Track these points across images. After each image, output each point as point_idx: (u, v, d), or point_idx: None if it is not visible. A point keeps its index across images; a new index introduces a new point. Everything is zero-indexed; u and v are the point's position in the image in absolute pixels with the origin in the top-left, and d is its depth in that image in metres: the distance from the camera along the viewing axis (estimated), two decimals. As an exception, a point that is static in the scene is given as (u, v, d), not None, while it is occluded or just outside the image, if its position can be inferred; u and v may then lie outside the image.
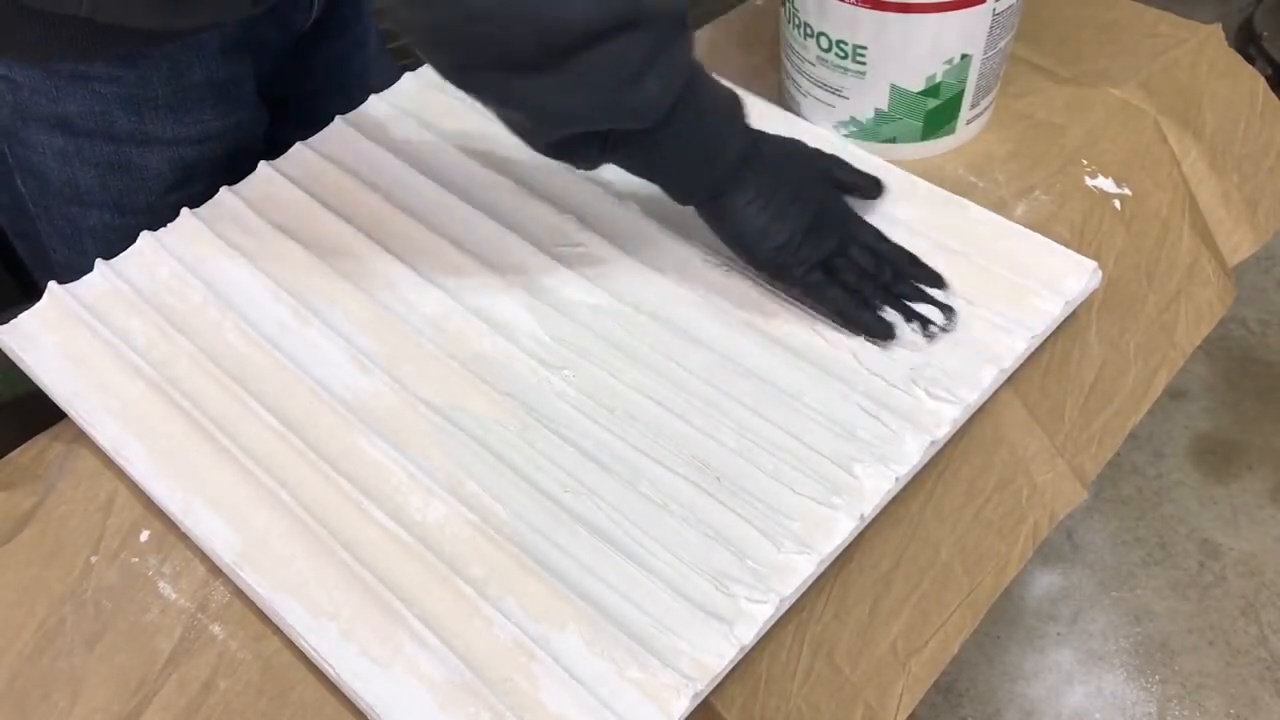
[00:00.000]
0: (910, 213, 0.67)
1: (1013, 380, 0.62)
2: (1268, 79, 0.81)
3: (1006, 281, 0.63)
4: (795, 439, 0.56)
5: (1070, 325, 0.65)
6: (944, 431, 0.57)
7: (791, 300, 0.62)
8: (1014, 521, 0.60)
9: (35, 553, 0.57)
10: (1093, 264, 0.63)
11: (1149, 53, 0.80)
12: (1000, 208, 0.68)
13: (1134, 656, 1.21)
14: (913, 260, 0.63)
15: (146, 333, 0.63)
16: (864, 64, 0.68)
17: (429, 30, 0.52)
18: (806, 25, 0.69)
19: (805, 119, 0.74)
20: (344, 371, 0.61)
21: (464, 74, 0.54)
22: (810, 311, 0.62)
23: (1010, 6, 0.67)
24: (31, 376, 0.63)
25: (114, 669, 0.52)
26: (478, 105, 0.75)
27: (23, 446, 0.63)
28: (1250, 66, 0.81)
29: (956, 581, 0.57)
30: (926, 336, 0.60)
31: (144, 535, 0.57)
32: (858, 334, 0.60)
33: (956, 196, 0.68)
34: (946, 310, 0.61)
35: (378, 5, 0.53)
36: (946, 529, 0.58)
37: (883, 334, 0.60)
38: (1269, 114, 0.80)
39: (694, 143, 0.57)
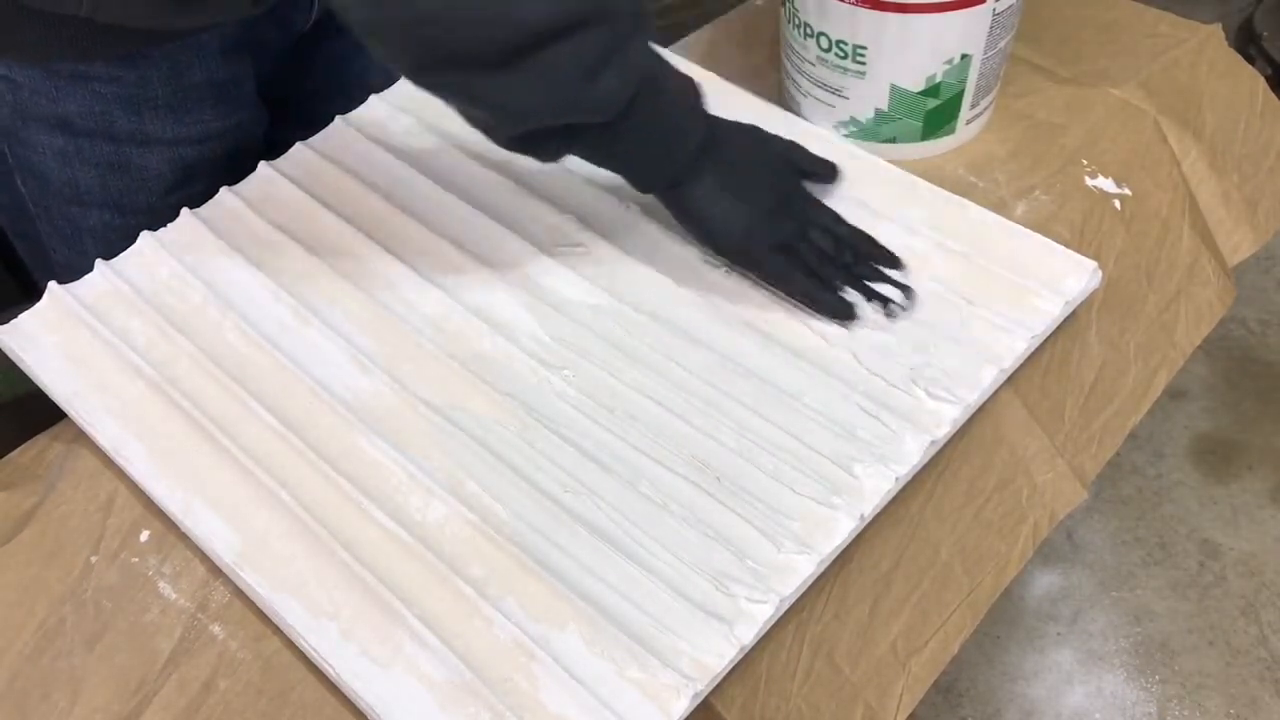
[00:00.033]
0: (910, 213, 0.67)
1: (1013, 380, 0.62)
2: (1268, 79, 0.81)
3: (1006, 281, 0.63)
4: (795, 439, 0.56)
5: (1070, 325, 0.65)
6: (944, 431, 0.57)
7: (791, 300, 0.62)
8: (1014, 521, 0.60)
9: (35, 553, 0.57)
10: (1093, 264, 0.63)
11: (1149, 53, 0.80)
12: (1000, 208, 0.68)
13: (1134, 656, 1.21)
14: (871, 242, 0.64)
15: (146, 333, 0.63)
16: (864, 64, 0.68)
17: (381, 30, 0.53)
18: (806, 25, 0.69)
19: (805, 119, 0.74)
20: (344, 371, 0.61)
21: (420, 73, 0.54)
22: (810, 311, 0.62)
23: (1010, 6, 0.67)
24: (31, 376, 0.63)
25: (114, 669, 0.52)
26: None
27: (23, 446, 0.63)
28: (1250, 66, 0.81)
29: (956, 581, 0.57)
30: (887, 315, 0.61)
31: (144, 535, 0.57)
32: (822, 315, 0.61)
33: (956, 196, 0.68)
34: (905, 290, 0.62)
35: (333, 4, 0.53)
36: (946, 529, 0.58)
37: (845, 314, 0.61)
38: (1269, 114, 0.80)
39: (654, 134, 0.58)
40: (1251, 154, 0.78)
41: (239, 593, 0.54)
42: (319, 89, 0.83)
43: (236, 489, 0.56)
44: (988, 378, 0.59)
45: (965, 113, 0.71)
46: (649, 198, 0.64)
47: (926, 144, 0.72)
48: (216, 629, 0.54)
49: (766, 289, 0.63)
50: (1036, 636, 1.23)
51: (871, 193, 0.68)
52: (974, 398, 0.58)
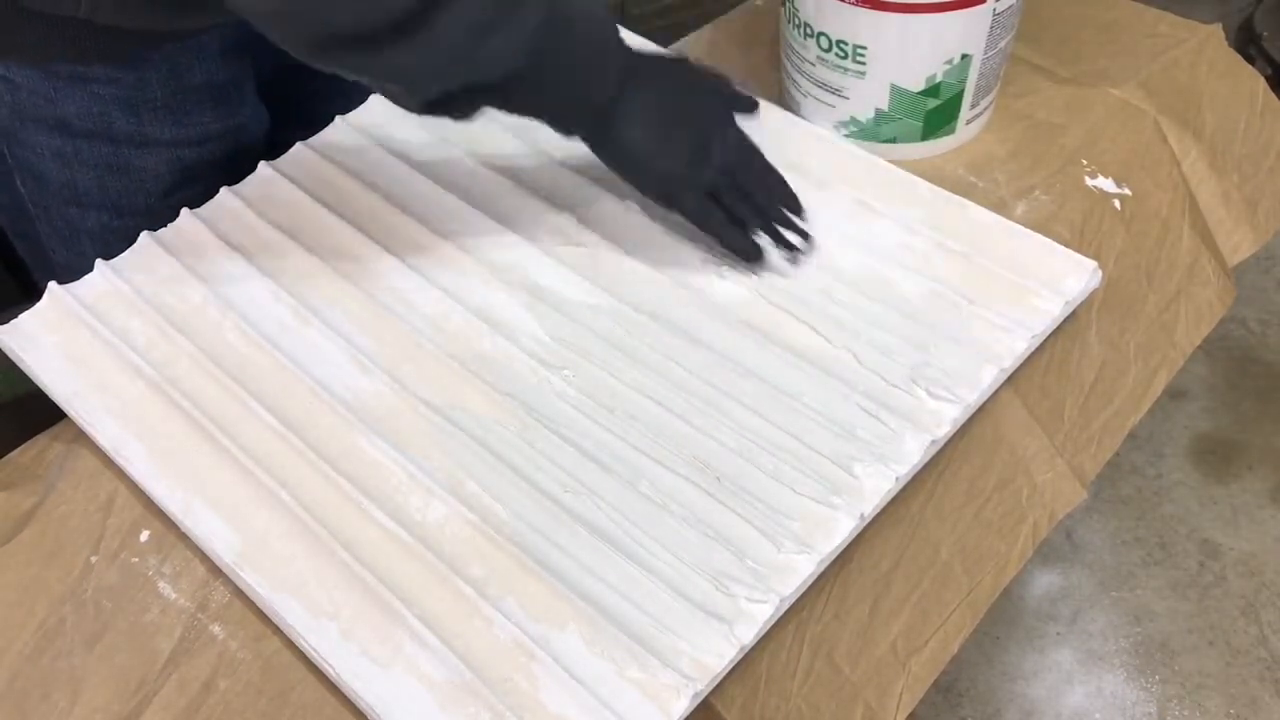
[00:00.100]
0: (910, 213, 0.67)
1: (1013, 380, 0.62)
2: (1268, 79, 0.81)
3: (1006, 281, 0.63)
4: (795, 439, 0.56)
5: (1070, 325, 0.65)
6: (944, 431, 0.57)
7: (791, 301, 0.62)
8: (1014, 521, 0.60)
9: (35, 553, 0.57)
10: (1093, 264, 0.63)
11: (1149, 53, 0.80)
12: (1000, 208, 0.68)
13: (1134, 656, 1.21)
14: (782, 184, 0.65)
15: (146, 333, 0.63)
16: (864, 64, 0.68)
17: (270, 17, 0.53)
18: (806, 25, 0.69)
19: (805, 119, 0.74)
20: (344, 371, 0.61)
21: (315, 56, 0.54)
22: (810, 311, 0.62)
23: (1010, 6, 0.67)
24: (31, 376, 0.63)
25: (114, 669, 0.52)
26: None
27: (23, 446, 0.63)
28: (1250, 66, 0.81)
29: (956, 581, 0.57)
30: (791, 261, 0.64)
31: (144, 535, 0.57)
32: (733, 255, 0.64)
33: (957, 196, 0.68)
34: (805, 236, 0.64)
35: None
36: (946, 529, 0.58)
37: (755, 257, 0.63)
38: (1269, 114, 0.80)
39: (564, 76, 0.58)
40: (1251, 154, 0.78)
41: (239, 593, 0.54)
42: (319, 89, 0.82)
43: (236, 489, 0.56)
44: (988, 377, 0.59)
45: (965, 113, 0.71)
46: (645, 198, 0.64)
47: (926, 144, 0.72)
48: (216, 629, 0.54)
49: (767, 290, 0.63)
50: (1036, 636, 1.23)
51: (871, 193, 0.68)
52: (974, 397, 0.58)
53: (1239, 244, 0.76)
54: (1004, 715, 1.18)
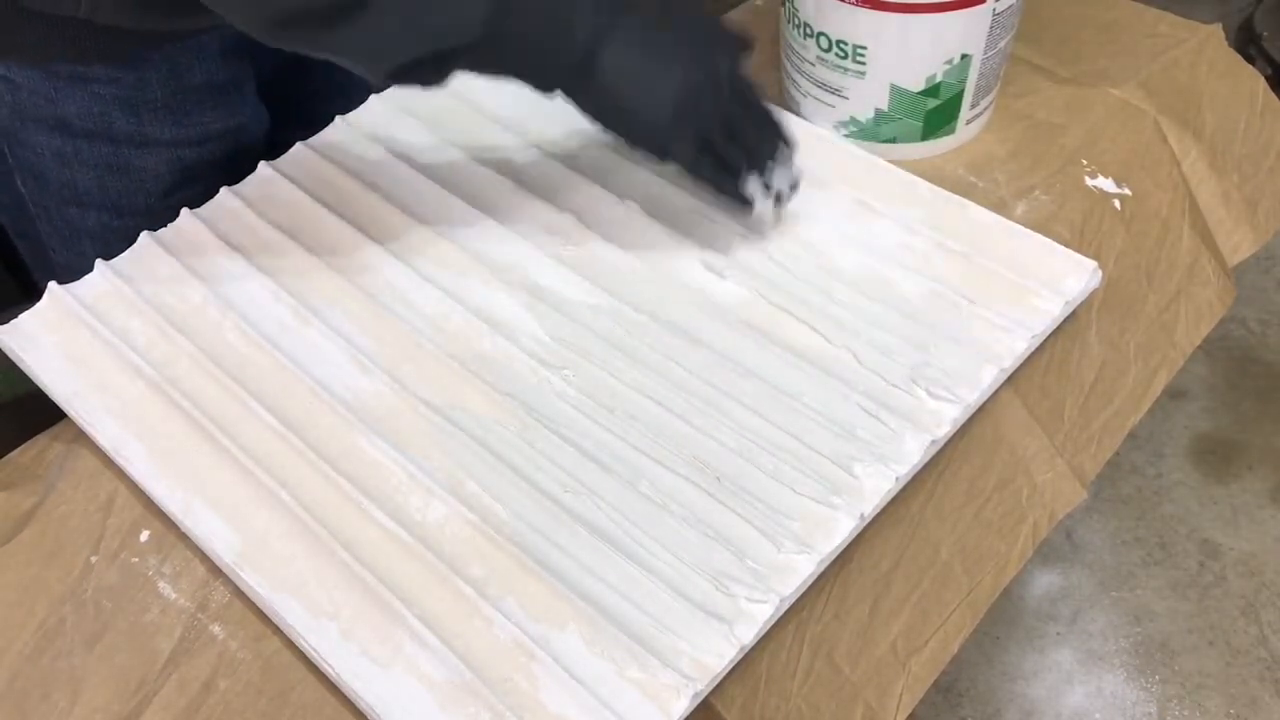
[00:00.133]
0: (910, 213, 0.67)
1: (1013, 380, 0.62)
2: (1268, 79, 0.81)
3: (1006, 281, 0.63)
4: (795, 439, 0.56)
5: (1070, 325, 0.65)
6: (944, 431, 0.57)
7: (791, 301, 0.62)
8: (1014, 521, 0.60)
9: (35, 553, 0.57)
10: (1093, 264, 0.64)
11: (1149, 53, 0.80)
12: (1000, 208, 0.68)
13: (1134, 656, 1.21)
14: (776, 125, 0.63)
15: (146, 333, 0.63)
16: (864, 64, 0.68)
17: (222, 1, 0.53)
18: (806, 25, 0.69)
19: (805, 119, 0.74)
20: (344, 371, 0.61)
21: (271, 36, 0.54)
22: (810, 311, 0.62)
23: (1010, 6, 0.67)
24: (31, 376, 0.63)
25: (114, 669, 0.52)
26: (477, 105, 0.76)
27: (23, 446, 0.63)
28: (1250, 66, 0.81)
29: (956, 581, 0.57)
30: (777, 209, 0.63)
31: (144, 535, 0.57)
32: (721, 201, 0.64)
33: (957, 196, 0.68)
34: (795, 183, 0.64)
35: None
36: (946, 529, 0.58)
37: (745, 203, 0.63)
38: (1269, 114, 0.80)
39: (531, 31, 0.55)
40: (1251, 154, 0.78)
41: (239, 593, 0.54)
42: (320, 90, 0.83)
43: (236, 489, 0.56)
44: (988, 377, 0.59)
45: (965, 113, 0.71)
46: (649, 197, 0.64)
47: (926, 144, 0.72)
48: (216, 629, 0.54)
49: (767, 290, 0.63)
50: (1036, 636, 1.23)
51: (871, 193, 0.68)
52: (974, 397, 0.58)
53: (1239, 244, 0.76)
54: (1004, 715, 1.18)
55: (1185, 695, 1.17)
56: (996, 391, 0.61)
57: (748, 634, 0.50)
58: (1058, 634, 1.23)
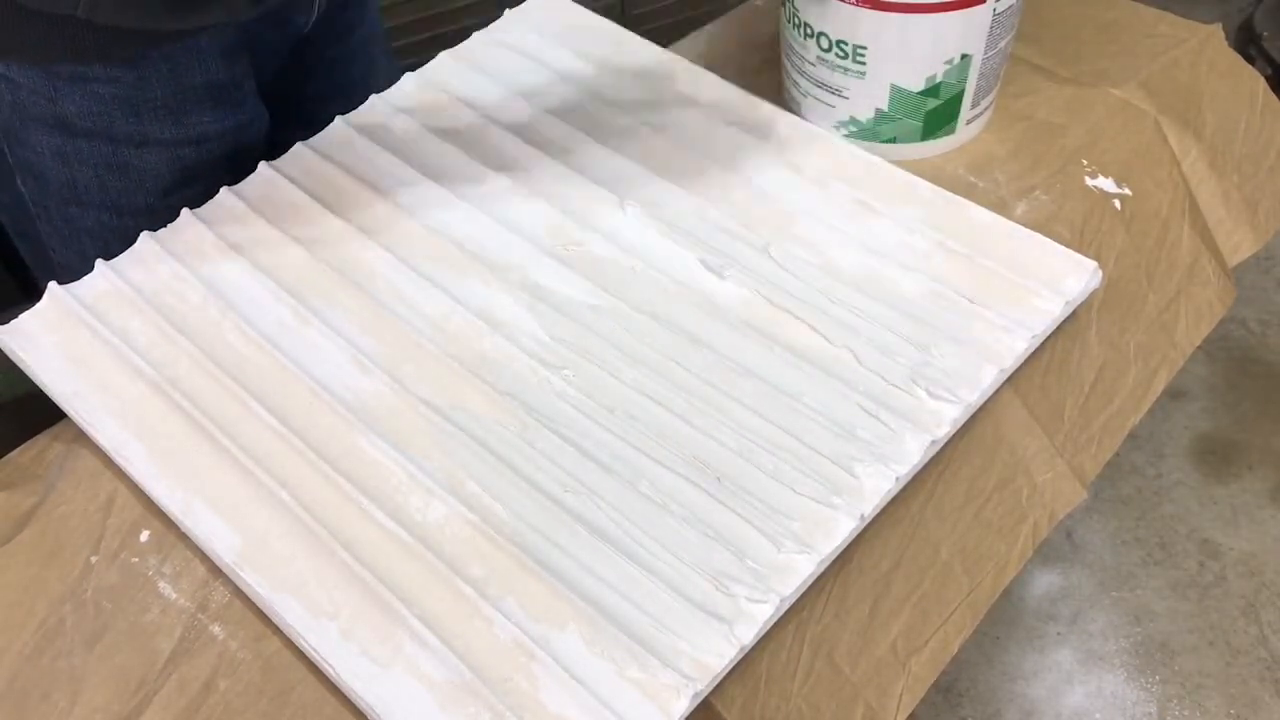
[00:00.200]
0: (910, 213, 0.67)
1: (1013, 380, 0.62)
2: (1268, 79, 0.81)
3: (1007, 281, 0.63)
4: (795, 439, 0.56)
5: (1070, 325, 0.65)
6: (944, 431, 0.57)
7: (791, 300, 0.62)
8: (1014, 521, 0.60)
9: (35, 553, 0.57)
10: (1093, 264, 0.64)
11: (1149, 53, 0.80)
12: (1000, 208, 0.68)
13: (1134, 656, 1.21)
14: None
15: (147, 333, 0.63)
16: (864, 64, 0.68)
17: None
18: (806, 25, 0.69)
19: (805, 119, 0.74)
20: (344, 371, 0.61)
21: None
22: (810, 311, 0.62)
23: (1010, 6, 0.67)
24: (31, 376, 0.63)
25: (114, 669, 0.52)
26: (477, 105, 0.76)
27: (23, 446, 0.63)
28: (1250, 66, 0.81)
29: (956, 581, 0.57)
30: None
31: (144, 535, 0.57)
32: None
33: (957, 196, 0.68)
34: None
35: None
36: (946, 529, 0.58)
37: None
38: (1269, 114, 0.80)
39: None
40: (1251, 154, 0.78)
41: (239, 593, 0.54)
42: (320, 91, 0.83)
43: (236, 489, 0.56)
44: (988, 377, 0.59)
45: (965, 113, 0.71)
46: (649, 198, 0.64)
47: (926, 144, 0.72)
48: (216, 629, 0.54)
49: (767, 291, 0.63)
50: (1036, 636, 1.23)
51: (871, 193, 0.68)
52: (974, 397, 0.58)
53: (1239, 244, 0.76)
54: (1004, 715, 1.18)
55: (1185, 695, 1.17)
56: (997, 391, 0.61)
57: (748, 634, 0.50)
58: (1058, 634, 1.23)
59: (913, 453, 0.56)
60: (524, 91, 0.76)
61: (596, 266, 0.65)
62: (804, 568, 0.52)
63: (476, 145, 0.73)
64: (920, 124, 0.71)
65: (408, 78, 0.78)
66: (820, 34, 0.68)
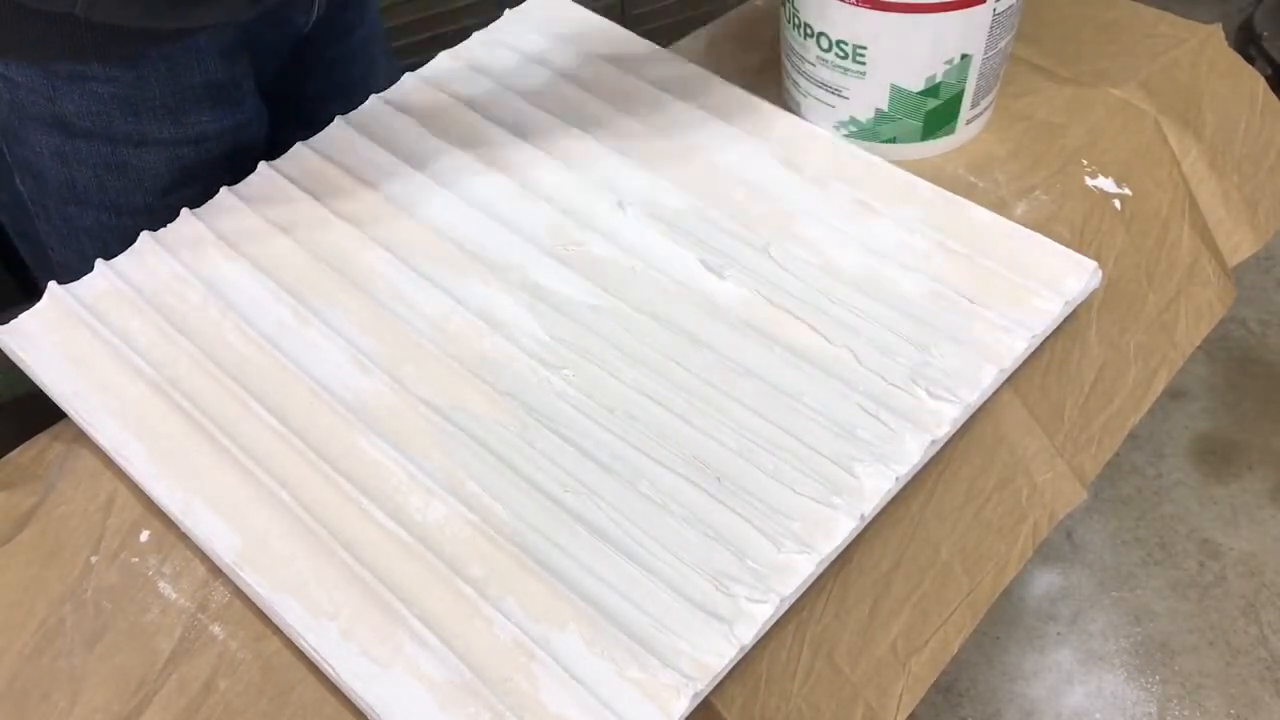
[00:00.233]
0: (910, 213, 0.67)
1: (1013, 380, 0.62)
2: (1268, 79, 0.81)
3: (1007, 281, 0.63)
4: (795, 439, 0.56)
5: (1070, 325, 0.65)
6: (944, 431, 0.57)
7: (791, 300, 0.62)
8: (1014, 521, 0.60)
9: (35, 553, 0.57)
10: (1093, 264, 0.64)
11: (1149, 53, 0.80)
12: (1000, 208, 0.68)
13: (1134, 656, 1.21)
14: None
15: (147, 333, 0.63)
16: (864, 64, 0.68)
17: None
18: (806, 25, 0.69)
19: (805, 119, 0.74)
20: (344, 371, 0.61)
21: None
22: (810, 311, 0.62)
23: (1010, 6, 0.67)
24: (31, 376, 0.63)
25: (114, 669, 0.52)
26: (477, 105, 0.76)
27: (23, 446, 0.63)
28: (1250, 66, 0.81)
29: (956, 581, 0.57)
30: None
31: (144, 535, 0.57)
32: None
33: (957, 196, 0.68)
34: None
35: None
36: (946, 529, 0.58)
37: None
38: (1269, 114, 0.80)
39: None
40: (1251, 154, 0.78)
41: (239, 593, 0.54)
42: (320, 91, 0.83)
43: (236, 489, 0.56)
44: (988, 377, 0.59)
45: (965, 113, 0.71)
46: (649, 199, 0.64)
47: (926, 144, 0.72)
48: (216, 629, 0.54)
49: (767, 291, 0.63)
50: (1036, 636, 1.23)
51: (871, 193, 0.68)
52: (974, 397, 0.58)
53: (1239, 244, 0.76)
54: (1004, 715, 1.18)
55: (1185, 695, 1.17)
56: (996, 391, 0.61)
57: (748, 634, 0.50)
58: (1058, 634, 1.23)
59: (913, 453, 0.56)
60: (524, 91, 0.76)
61: (596, 266, 0.65)
62: (804, 568, 0.52)
63: (476, 145, 0.73)
64: (920, 124, 0.71)
65: (408, 78, 0.78)
66: (820, 34, 0.68)
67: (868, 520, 0.54)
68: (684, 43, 0.85)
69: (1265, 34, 1.68)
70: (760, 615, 0.50)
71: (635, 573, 0.52)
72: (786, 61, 0.74)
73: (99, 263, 0.67)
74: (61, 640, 0.53)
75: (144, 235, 0.68)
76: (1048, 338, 0.63)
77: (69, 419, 0.62)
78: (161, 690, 0.51)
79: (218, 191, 0.71)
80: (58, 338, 0.64)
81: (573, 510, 0.54)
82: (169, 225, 0.69)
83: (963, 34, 0.66)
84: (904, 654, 0.55)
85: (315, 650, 0.51)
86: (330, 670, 0.50)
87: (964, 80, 0.69)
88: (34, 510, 0.58)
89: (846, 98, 0.71)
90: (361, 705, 0.49)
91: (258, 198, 0.70)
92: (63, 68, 0.66)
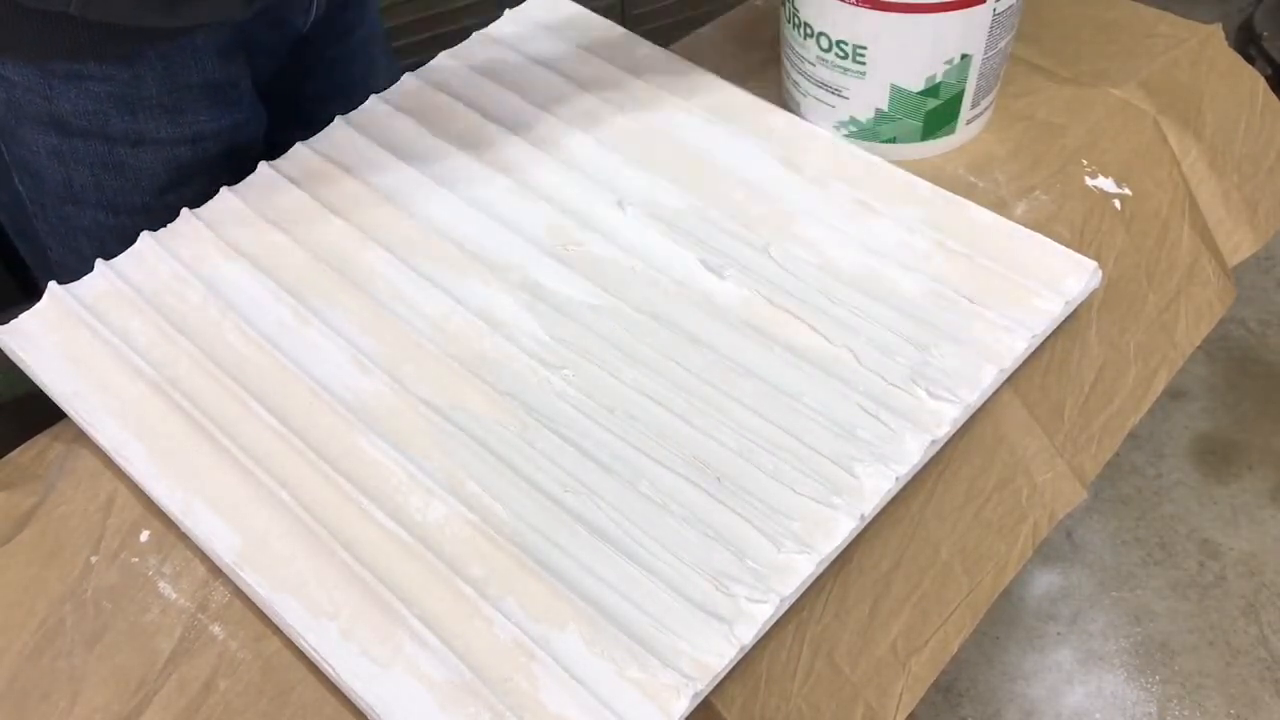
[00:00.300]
0: (910, 212, 0.67)
1: (1013, 380, 0.62)
2: (1268, 79, 0.81)
3: (1007, 281, 0.63)
4: (795, 439, 0.56)
5: (1070, 325, 0.65)
6: (944, 431, 0.57)
7: (791, 300, 0.62)
8: (1014, 521, 0.60)
9: (35, 553, 0.57)
10: (1093, 264, 0.64)
11: (1149, 53, 0.80)
12: (1000, 208, 0.68)
13: (1134, 656, 1.21)
14: None
15: (147, 333, 0.63)
16: (864, 64, 0.68)
17: None
18: (806, 25, 0.69)
19: (805, 119, 0.74)
20: (344, 371, 0.61)
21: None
22: (810, 311, 0.62)
23: (1010, 6, 0.67)
24: (31, 376, 0.63)
25: (114, 669, 0.52)
26: (477, 105, 0.76)
27: (23, 446, 0.63)
28: (1250, 66, 0.81)
29: (956, 581, 0.57)
30: None
31: (144, 535, 0.57)
32: None
33: (956, 196, 0.68)
34: None
35: None
36: (946, 529, 0.58)
37: None
38: (1269, 114, 0.80)
39: None
40: (1251, 154, 0.78)
41: (239, 593, 0.54)
42: (320, 91, 0.83)
43: (236, 489, 0.56)
44: (988, 377, 0.59)
45: (965, 113, 0.71)
46: (649, 199, 0.64)
47: (926, 144, 0.72)
48: (216, 629, 0.54)
49: (767, 291, 0.63)
50: (1036, 636, 1.23)
51: (871, 193, 0.68)
52: (974, 397, 0.58)
53: (1239, 244, 0.76)
54: (1004, 715, 1.18)
55: (1185, 695, 1.17)
56: (996, 391, 0.61)
57: (748, 634, 0.50)
58: (1058, 634, 1.23)
59: (913, 453, 0.56)
60: (524, 91, 0.76)
61: (596, 266, 0.65)
62: (804, 568, 0.52)
63: (476, 145, 0.73)
64: (920, 124, 0.71)
65: (407, 77, 0.78)
66: (820, 34, 0.68)
67: (868, 520, 0.54)
68: (684, 43, 0.85)
69: (1265, 34, 1.68)
70: (760, 615, 0.50)
71: (635, 573, 0.52)
72: (786, 61, 0.74)
73: (99, 263, 0.67)
74: (61, 640, 0.53)
75: (144, 235, 0.68)
76: (1048, 338, 0.63)
77: (69, 419, 0.62)
78: (161, 690, 0.51)
79: (215, 191, 0.71)
80: (58, 338, 0.64)
81: (573, 510, 0.54)
82: (169, 225, 0.69)
83: (963, 34, 0.66)
84: (904, 654, 0.55)
85: (315, 650, 0.51)
86: (330, 670, 0.50)
87: (964, 80, 0.69)
88: (34, 510, 0.58)
89: (846, 98, 0.71)
90: (361, 705, 0.49)
91: (258, 198, 0.70)
92: (59, 67, 0.66)
